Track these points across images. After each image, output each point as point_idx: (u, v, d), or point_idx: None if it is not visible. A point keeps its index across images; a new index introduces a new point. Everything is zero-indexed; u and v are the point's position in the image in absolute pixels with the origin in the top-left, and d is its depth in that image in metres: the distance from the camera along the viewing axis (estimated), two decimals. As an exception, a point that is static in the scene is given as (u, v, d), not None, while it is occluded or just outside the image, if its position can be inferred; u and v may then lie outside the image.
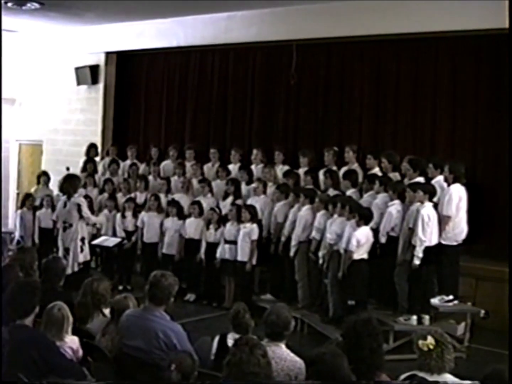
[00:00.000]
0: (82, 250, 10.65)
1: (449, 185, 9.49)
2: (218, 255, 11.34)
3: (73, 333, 5.93)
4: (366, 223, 9.44)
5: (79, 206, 10.67)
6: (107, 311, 6.55)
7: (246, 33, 13.60)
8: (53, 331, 5.73)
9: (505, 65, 11.10)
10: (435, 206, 9.35)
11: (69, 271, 10.13)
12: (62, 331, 5.76)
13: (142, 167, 13.99)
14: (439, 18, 11.20)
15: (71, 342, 5.80)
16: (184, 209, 12.04)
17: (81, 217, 10.71)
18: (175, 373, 4.75)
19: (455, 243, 9.54)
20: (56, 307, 5.83)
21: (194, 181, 12.76)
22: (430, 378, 4.88)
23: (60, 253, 10.47)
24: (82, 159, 14.58)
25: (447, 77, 11.96)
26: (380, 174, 10.63)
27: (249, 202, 11.58)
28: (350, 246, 9.32)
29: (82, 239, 10.69)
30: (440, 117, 12.03)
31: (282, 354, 5.37)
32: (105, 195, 13.11)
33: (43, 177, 14.13)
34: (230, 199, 11.92)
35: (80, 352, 5.82)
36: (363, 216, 9.44)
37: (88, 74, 16.13)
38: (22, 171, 18.05)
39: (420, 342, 4.94)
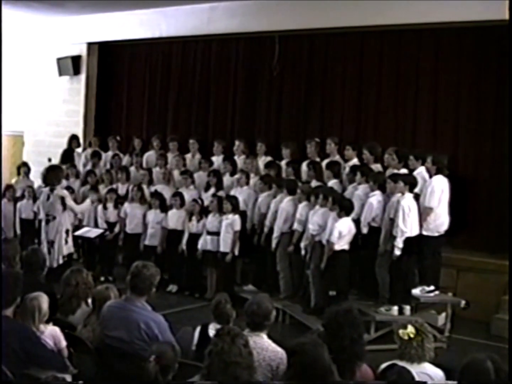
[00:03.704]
0: (66, 242, 10.58)
1: (431, 176, 9.53)
2: (200, 246, 11.32)
3: (55, 324, 5.91)
4: (347, 215, 9.47)
5: (63, 199, 10.58)
6: (89, 301, 6.55)
7: (229, 24, 13.57)
8: (27, 321, 5.70)
9: (486, 57, 11.21)
10: (416, 197, 9.39)
11: (54, 264, 10.12)
12: (35, 321, 5.72)
13: (125, 159, 13.93)
14: (422, 9, 11.21)
15: (52, 332, 5.78)
16: (166, 201, 12.03)
17: (65, 209, 10.63)
18: (153, 364, 4.74)
19: (436, 234, 9.58)
20: (30, 297, 5.78)
21: (175, 172, 12.74)
22: (410, 367, 4.93)
23: (44, 245, 10.39)
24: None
25: (429, 69, 12.00)
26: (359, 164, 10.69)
27: (232, 193, 11.57)
28: (332, 237, 9.34)
29: (67, 231, 10.60)
30: (421, 108, 12.08)
31: (263, 344, 5.37)
32: (87, 186, 13.04)
33: (23, 168, 14.08)
34: (212, 190, 11.92)
35: (63, 343, 5.80)
36: (344, 207, 9.46)
37: (70, 65, 16.02)
38: (3, 162, 17.89)
39: (401, 331, 4.98)
